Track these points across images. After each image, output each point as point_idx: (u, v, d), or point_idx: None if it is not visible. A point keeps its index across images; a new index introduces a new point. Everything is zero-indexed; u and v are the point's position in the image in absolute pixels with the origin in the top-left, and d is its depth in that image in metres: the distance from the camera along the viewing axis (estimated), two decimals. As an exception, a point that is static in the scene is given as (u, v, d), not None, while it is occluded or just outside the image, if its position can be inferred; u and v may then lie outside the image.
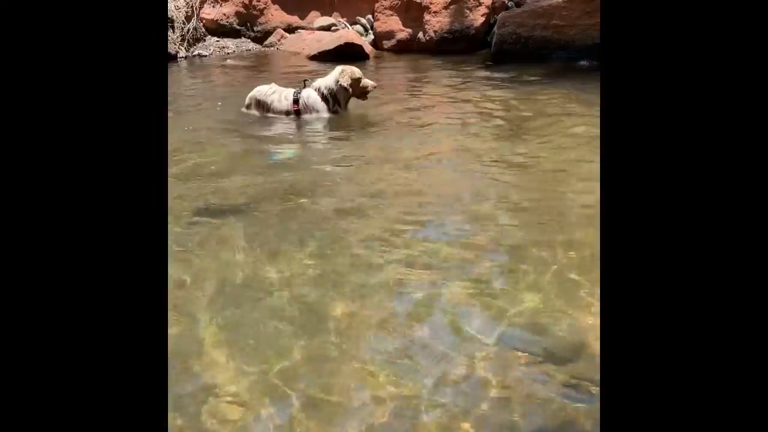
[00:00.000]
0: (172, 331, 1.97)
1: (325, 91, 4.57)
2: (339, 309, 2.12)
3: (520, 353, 1.87)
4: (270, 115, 4.69)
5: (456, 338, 1.96)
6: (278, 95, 4.70)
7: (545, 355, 1.85)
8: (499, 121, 4.39)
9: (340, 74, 4.56)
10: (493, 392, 1.72)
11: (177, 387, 1.74)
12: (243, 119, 4.71)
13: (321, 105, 4.58)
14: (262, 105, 4.73)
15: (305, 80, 4.84)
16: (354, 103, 4.67)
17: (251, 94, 4.79)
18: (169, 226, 2.62)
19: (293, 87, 4.79)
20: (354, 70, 4.60)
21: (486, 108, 4.77)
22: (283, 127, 4.53)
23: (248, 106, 4.81)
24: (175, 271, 2.33)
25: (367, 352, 1.91)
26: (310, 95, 4.61)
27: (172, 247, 2.51)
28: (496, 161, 3.51)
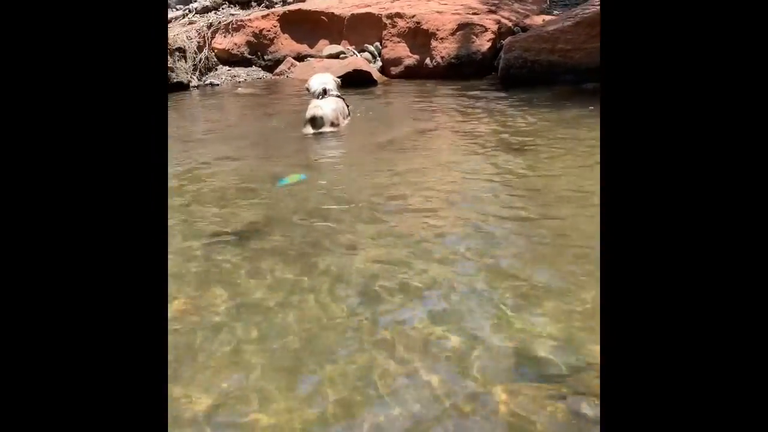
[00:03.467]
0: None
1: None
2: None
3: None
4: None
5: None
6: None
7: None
8: (508, 142, 4.44)
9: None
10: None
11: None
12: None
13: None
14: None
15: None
16: (364, 124, 4.74)
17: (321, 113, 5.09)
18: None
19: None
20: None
21: (494, 129, 4.83)
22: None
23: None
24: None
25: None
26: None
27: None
28: (509, 185, 3.55)
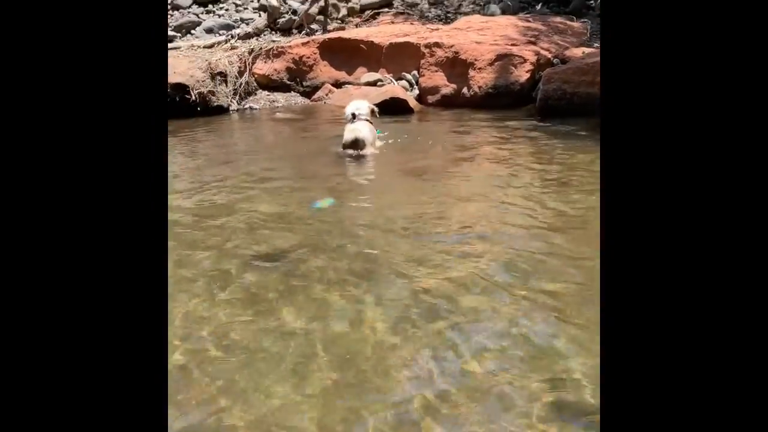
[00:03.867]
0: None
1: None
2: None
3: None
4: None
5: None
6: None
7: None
8: (545, 174, 4.38)
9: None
10: None
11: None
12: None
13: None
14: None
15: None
16: (400, 151, 4.74)
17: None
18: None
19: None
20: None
21: (531, 160, 4.77)
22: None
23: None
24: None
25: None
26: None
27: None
28: (546, 218, 3.49)
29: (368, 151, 5.17)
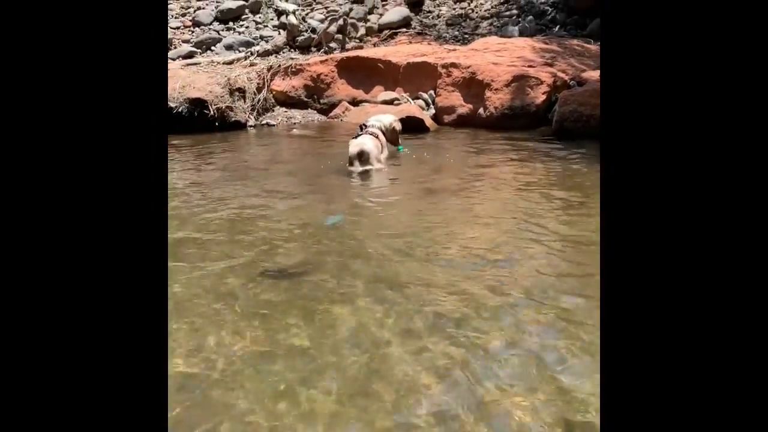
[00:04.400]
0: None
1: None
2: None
3: None
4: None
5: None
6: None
7: None
8: (558, 196, 4.36)
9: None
10: None
11: None
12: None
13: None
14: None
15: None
16: (413, 169, 4.74)
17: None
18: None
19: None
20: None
21: (545, 182, 4.76)
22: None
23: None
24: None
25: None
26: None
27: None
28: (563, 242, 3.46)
29: (374, 165, 5.11)
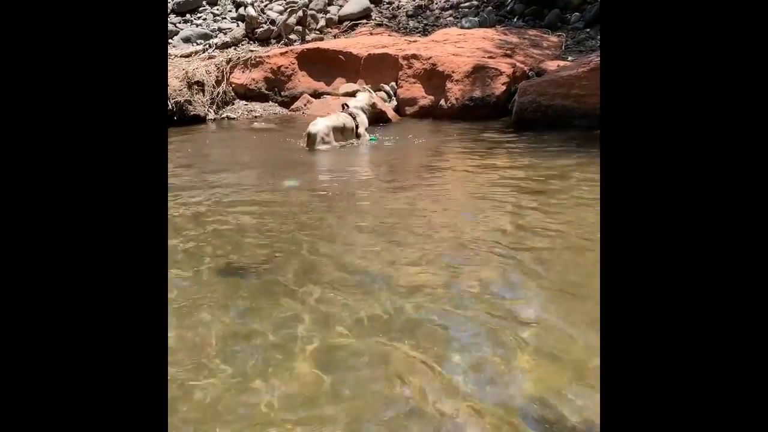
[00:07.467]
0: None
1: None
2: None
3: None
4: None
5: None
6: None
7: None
8: (518, 185, 4.43)
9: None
10: None
11: None
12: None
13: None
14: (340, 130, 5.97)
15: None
16: (380, 156, 4.75)
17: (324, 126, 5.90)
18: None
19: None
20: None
21: (504, 171, 4.82)
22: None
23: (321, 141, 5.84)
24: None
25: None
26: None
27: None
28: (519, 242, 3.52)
29: (319, 147, 5.73)
